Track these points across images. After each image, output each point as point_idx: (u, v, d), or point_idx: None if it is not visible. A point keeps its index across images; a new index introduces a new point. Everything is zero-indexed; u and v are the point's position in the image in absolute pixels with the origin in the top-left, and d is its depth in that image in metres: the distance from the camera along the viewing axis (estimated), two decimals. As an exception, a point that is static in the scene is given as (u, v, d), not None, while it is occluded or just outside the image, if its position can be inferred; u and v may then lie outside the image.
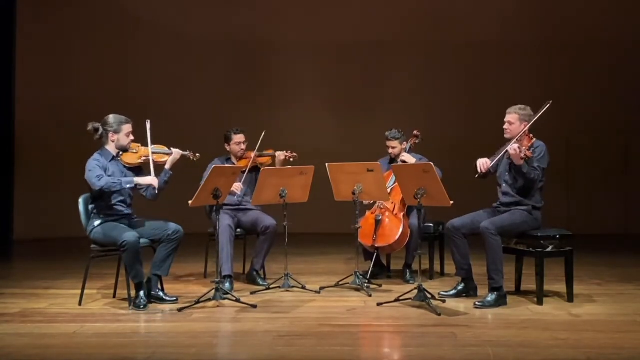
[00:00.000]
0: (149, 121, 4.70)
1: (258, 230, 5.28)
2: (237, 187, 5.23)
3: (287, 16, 9.95)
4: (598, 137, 9.88)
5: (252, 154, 5.40)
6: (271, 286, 5.08)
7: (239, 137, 5.46)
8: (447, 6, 9.90)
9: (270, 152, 5.51)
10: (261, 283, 5.25)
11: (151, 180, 4.58)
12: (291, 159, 5.42)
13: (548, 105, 4.55)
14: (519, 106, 4.70)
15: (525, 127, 4.60)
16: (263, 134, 5.32)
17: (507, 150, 4.52)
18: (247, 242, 5.69)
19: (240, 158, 5.47)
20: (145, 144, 4.70)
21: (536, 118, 4.61)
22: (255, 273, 5.32)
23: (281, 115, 9.84)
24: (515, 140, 4.53)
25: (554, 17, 9.92)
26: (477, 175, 4.67)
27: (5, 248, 8.41)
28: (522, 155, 4.35)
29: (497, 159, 4.67)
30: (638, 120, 9.84)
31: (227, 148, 5.51)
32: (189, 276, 5.85)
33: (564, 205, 9.49)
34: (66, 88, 9.21)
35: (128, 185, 4.52)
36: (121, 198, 4.59)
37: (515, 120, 4.66)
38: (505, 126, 4.71)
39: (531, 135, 4.57)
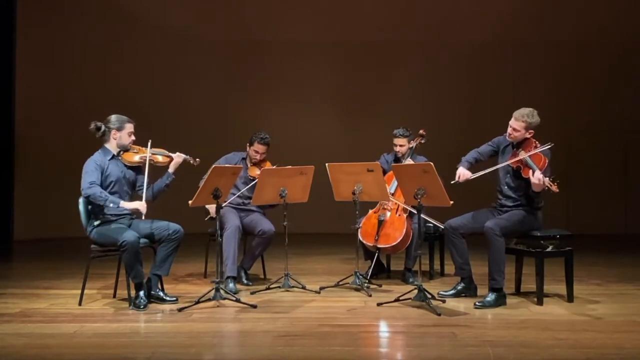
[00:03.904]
0: (150, 141, 4.70)
1: (254, 233, 5.29)
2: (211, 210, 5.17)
3: (287, 16, 9.95)
4: (598, 138, 9.88)
5: (267, 167, 5.34)
6: (271, 286, 5.08)
7: (259, 147, 5.40)
8: (447, 7, 9.90)
9: None
10: (244, 282, 5.29)
11: (138, 205, 4.50)
12: None
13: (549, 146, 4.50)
14: (527, 113, 4.55)
15: (531, 134, 4.58)
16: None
17: (519, 160, 4.49)
18: (247, 242, 5.68)
19: (253, 164, 5.46)
20: (145, 146, 4.70)
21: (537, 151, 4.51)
22: (242, 271, 5.36)
23: (281, 115, 9.85)
24: (527, 155, 4.45)
25: (554, 18, 9.92)
26: (452, 182, 4.60)
27: (5, 248, 8.41)
28: (545, 185, 4.27)
29: (487, 172, 4.60)
30: (638, 121, 9.85)
31: (247, 148, 5.50)
32: (189, 276, 5.85)
33: (564, 205, 9.49)
34: (66, 88, 9.21)
35: (112, 205, 4.44)
36: (121, 198, 4.59)
37: (521, 129, 4.57)
38: (509, 131, 4.63)
39: (536, 142, 4.55)
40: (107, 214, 4.53)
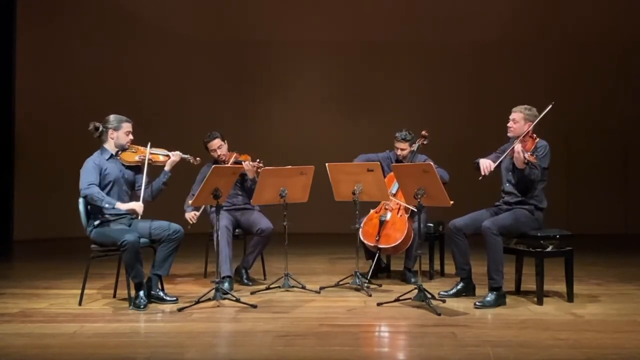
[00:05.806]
0: (149, 143, 4.69)
1: (253, 232, 5.29)
2: (192, 217, 5.22)
3: (287, 16, 9.96)
4: (598, 137, 9.89)
5: (232, 158, 5.32)
6: (271, 286, 5.08)
7: (213, 144, 5.36)
8: (447, 7, 9.91)
9: (244, 158, 5.34)
10: (244, 281, 5.30)
11: (135, 206, 4.52)
12: (258, 170, 5.16)
13: (550, 107, 4.54)
14: (526, 106, 4.68)
15: (529, 127, 4.60)
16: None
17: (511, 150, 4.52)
18: (247, 241, 5.68)
19: (224, 162, 5.35)
20: (144, 146, 4.70)
21: (539, 119, 4.58)
22: (243, 270, 5.36)
23: (281, 115, 9.85)
24: (518, 140, 4.51)
25: (554, 18, 9.93)
26: (480, 177, 4.55)
27: (5, 248, 8.41)
28: (525, 159, 4.32)
29: (500, 160, 4.62)
30: (638, 121, 9.85)
31: (211, 155, 5.46)
32: (189, 276, 5.85)
33: (564, 205, 9.49)
34: (66, 88, 9.22)
35: (107, 205, 4.45)
36: (120, 198, 4.59)
37: (520, 119, 4.64)
38: (510, 124, 4.68)
39: (534, 135, 4.56)
40: (106, 214, 4.53)
